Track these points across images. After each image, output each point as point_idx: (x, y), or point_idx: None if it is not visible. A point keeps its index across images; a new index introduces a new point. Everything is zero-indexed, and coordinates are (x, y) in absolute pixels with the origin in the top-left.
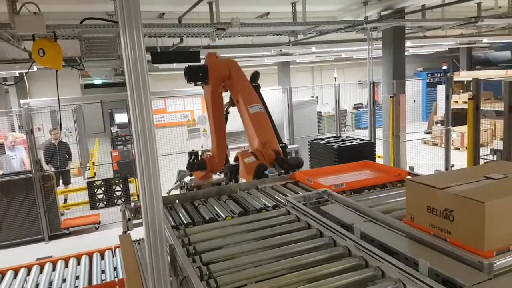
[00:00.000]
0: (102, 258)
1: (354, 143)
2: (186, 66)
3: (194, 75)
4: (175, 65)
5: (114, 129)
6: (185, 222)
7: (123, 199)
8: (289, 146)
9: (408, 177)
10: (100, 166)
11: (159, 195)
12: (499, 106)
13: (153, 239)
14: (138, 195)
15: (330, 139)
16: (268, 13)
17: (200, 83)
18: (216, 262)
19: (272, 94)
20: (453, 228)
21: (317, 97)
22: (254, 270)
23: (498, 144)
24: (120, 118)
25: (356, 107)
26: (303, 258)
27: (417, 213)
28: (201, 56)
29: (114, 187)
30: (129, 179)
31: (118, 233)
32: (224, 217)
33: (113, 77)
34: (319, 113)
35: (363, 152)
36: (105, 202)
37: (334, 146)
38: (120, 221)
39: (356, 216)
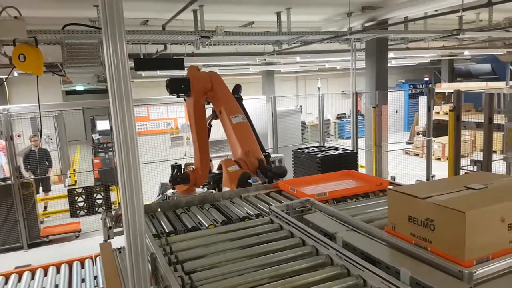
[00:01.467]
0: (82, 266)
1: (337, 152)
2: (168, 78)
3: (176, 87)
4: (158, 72)
5: (95, 136)
6: (167, 230)
7: (104, 207)
8: (272, 155)
9: (390, 186)
10: (81, 174)
11: (140, 203)
12: (480, 118)
13: (134, 247)
14: (119, 203)
15: (314, 148)
16: (253, 22)
17: (182, 95)
18: (198, 271)
19: (256, 103)
20: (434, 238)
21: (301, 106)
22: (236, 279)
23: (479, 155)
24: (102, 125)
25: (340, 117)
26: (285, 267)
27: (398, 222)
28: (185, 64)
29: (95, 195)
30: (110, 187)
31: (99, 241)
32: (207, 225)
33: (95, 83)
34: (303, 123)
35: (346, 161)
36: (86, 210)
37: (318, 156)
38: (101, 229)
39: (338, 225)
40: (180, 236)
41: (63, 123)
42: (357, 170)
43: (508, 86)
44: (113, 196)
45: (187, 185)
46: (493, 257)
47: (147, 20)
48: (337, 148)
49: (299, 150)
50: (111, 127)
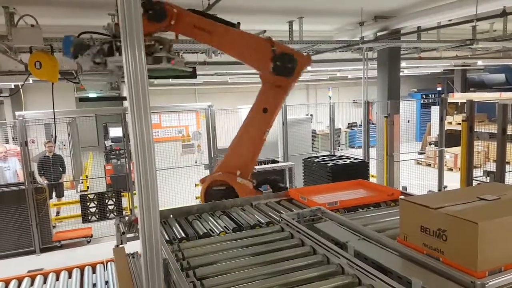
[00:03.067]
0: (94, 271)
1: (348, 162)
2: (272, 49)
3: (282, 66)
4: (171, 80)
5: (108, 142)
6: (179, 237)
7: (115, 213)
8: (283, 164)
9: (402, 196)
10: (93, 180)
11: (156, 209)
12: (493, 128)
13: (149, 252)
14: (130, 209)
15: (324, 157)
16: (265, 31)
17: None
18: (210, 277)
19: None
20: (446, 248)
21: (311, 115)
22: (247, 286)
23: (492, 166)
24: (115, 132)
25: (350, 126)
26: (296, 275)
27: (410, 233)
28: (197, 72)
29: (106, 201)
30: (122, 193)
31: (110, 247)
32: (218, 232)
33: (108, 91)
34: (314, 131)
35: (356, 171)
36: (97, 216)
37: (328, 165)
38: (112, 235)
39: (349, 234)
40: (192, 243)
41: (76, 130)
42: (368, 180)
43: None
44: (125, 202)
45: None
46: (505, 268)
47: None
48: (348, 157)
49: (309, 159)
50: (124, 133)
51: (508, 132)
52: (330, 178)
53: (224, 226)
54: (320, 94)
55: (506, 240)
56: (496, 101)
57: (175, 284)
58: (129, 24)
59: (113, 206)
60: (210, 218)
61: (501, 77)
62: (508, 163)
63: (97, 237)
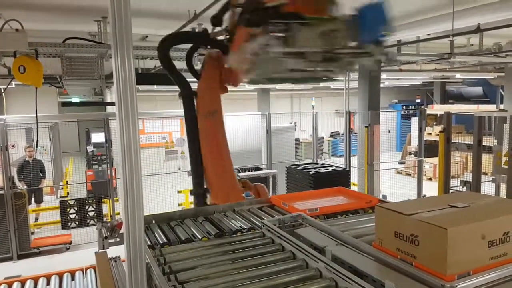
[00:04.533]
0: (73, 278)
1: (329, 170)
2: None
3: None
4: (155, 86)
5: (90, 148)
6: (161, 242)
7: (95, 220)
8: (266, 171)
9: (378, 203)
10: (74, 186)
11: (141, 213)
12: (470, 140)
13: (133, 257)
14: (111, 216)
15: (307, 165)
16: None
17: None
18: (191, 282)
19: (251, 119)
20: (418, 253)
21: (295, 123)
22: None
23: (469, 176)
24: (97, 137)
25: (333, 135)
26: (276, 279)
27: (385, 238)
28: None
29: (87, 207)
30: (102, 200)
31: (90, 254)
32: (200, 238)
33: (92, 96)
34: (297, 140)
35: (338, 179)
36: (77, 222)
37: (311, 172)
38: (92, 242)
39: (328, 240)
40: (174, 248)
41: (58, 135)
42: (349, 188)
43: (498, 109)
44: (105, 209)
45: None
46: (474, 272)
47: (147, 36)
48: (330, 166)
49: (292, 167)
50: (106, 139)
51: (485, 144)
52: (312, 186)
53: (206, 232)
54: (304, 103)
55: (474, 245)
56: (473, 113)
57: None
58: (119, 30)
59: (93, 212)
60: (193, 223)
61: (478, 90)
62: (485, 173)
63: (76, 244)
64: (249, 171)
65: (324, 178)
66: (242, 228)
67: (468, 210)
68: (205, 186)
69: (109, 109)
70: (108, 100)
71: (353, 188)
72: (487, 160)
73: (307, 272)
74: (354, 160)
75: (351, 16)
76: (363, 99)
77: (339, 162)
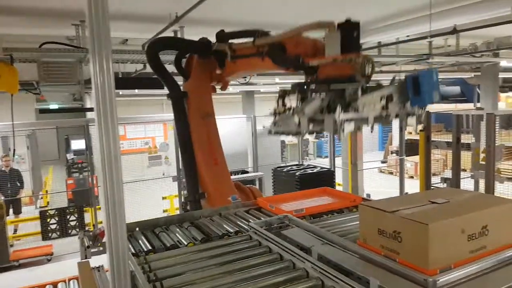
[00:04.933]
0: None
1: (315, 170)
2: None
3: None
4: (137, 91)
5: (70, 156)
6: (145, 249)
7: (77, 229)
8: (252, 174)
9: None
10: (54, 195)
11: (123, 221)
12: (450, 138)
13: (116, 265)
14: (93, 225)
15: (293, 166)
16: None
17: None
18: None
19: (236, 122)
20: (401, 249)
21: None
22: None
23: (449, 173)
24: (77, 144)
25: (318, 136)
26: (263, 281)
27: (369, 235)
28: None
29: (68, 217)
30: (84, 208)
31: (72, 264)
32: (186, 244)
33: (71, 102)
34: (283, 142)
35: (323, 179)
36: (58, 233)
37: (297, 174)
38: (75, 252)
39: (314, 240)
40: (159, 255)
41: (36, 143)
42: (334, 188)
43: (475, 108)
44: (87, 218)
45: None
46: (455, 266)
47: (127, 40)
48: (315, 167)
49: (278, 169)
50: (86, 146)
51: (464, 141)
52: (298, 187)
53: (192, 237)
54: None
55: (455, 240)
56: (451, 112)
57: None
58: (97, 35)
59: (75, 222)
60: (178, 229)
61: (456, 89)
62: (465, 170)
63: (58, 255)
64: (235, 175)
65: (310, 179)
66: (228, 232)
67: (448, 206)
68: (200, 191)
69: (89, 115)
70: (88, 105)
71: (338, 188)
72: (466, 157)
73: (294, 273)
74: (338, 161)
75: (405, 82)
76: None
77: (324, 163)
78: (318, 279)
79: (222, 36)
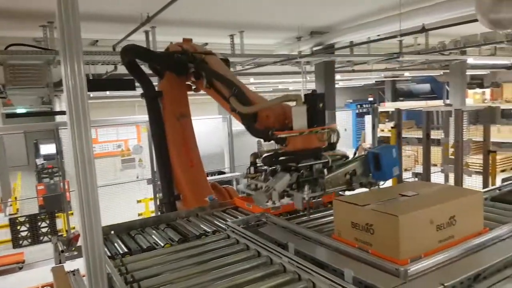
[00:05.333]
0: None
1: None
2: None
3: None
4: (108, 93)
5: (39, 161)
6: (121, 252)
7: (49, 236)
8: (229, 175)
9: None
10: (24, 201)
11: (99, 224)
12: (420, 134)
13: (93, 269)
14: (66, 231)
15: None
16: (206, 44)
17: None
18: None
19: (212, 123)
20: (374, 240)
21: None
22: None
23: (420, 168)
24: (47, 149)
25: None
26: (241, 277)
27: (343, 229)
28: (136, 84)
29: (39, 224)
30: (56, 214)
31: (45, 272)
32: (162, 245)
33: (39, 106)
34: (259, 142)
35: None
36: (29, 240)
37: None
38: (47, 259)
39: (291, 236)
40: (136, 257)
41: (3, 148)
42: None
43: (444, 104)
44: (60, 224)
45: None
46: (424, 255)
47: (97, 41)
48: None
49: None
50: (57, 151)
51: (434, 137)
52: None
53: (169, 238)
54: None
55: (424, 230)
56: (421, 108)
57: None
58: (68, 35)
59: (47, 228)
60: (154, 231)
61: (426, 87)
62: (435, 165)
63: (30, 263)
64: (212, 176)
65: None
66: (206, 232)
67: (417, 198)
68: (175, 193)
69: (59, 118)
70: (58, 109)
71: None
72: (436, 152)
73: (272, 268)
74: None
75: (366, 157)
76: None
77: None
78: (295, 273)
79: (201, 67)
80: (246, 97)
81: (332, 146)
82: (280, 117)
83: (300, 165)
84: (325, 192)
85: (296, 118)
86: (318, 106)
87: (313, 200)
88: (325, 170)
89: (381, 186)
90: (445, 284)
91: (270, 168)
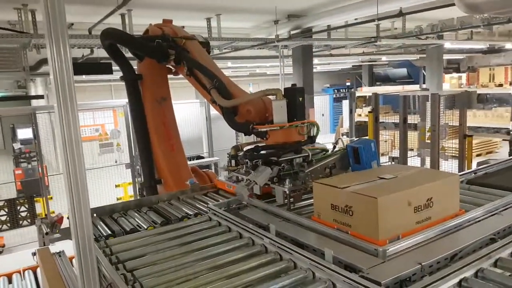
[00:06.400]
0: (10, 282)
1: None
2: None
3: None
4: (84, 77)
5: (16, 145)
6: (105, 234)
7: (29, 220)
8: (208, 159)
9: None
10: (1, 186)
11: (87, 205)
12: (397, 119)
13: (82, 250)
14: (46, 215)
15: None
16: (183, 27)
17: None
18: (140, 269)
19: (189, 108)
20: (353, 222)
21: None
22: (177, 273)
23: (397, 153)
24: (24, 133)
25: None
26: (223, 258)
27: (323, 211)
28: (114, 68)
29: (18, 208)
30: (35, 199)
31: (26, 255)
32: (145, 227)
33: (15, 90)
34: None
35: None
36: (9, 224)
37: None
38: (28, 242)
39: (272, 218)
40: (119, 239)
41: None
42: None
43: (420, 89)
44: (39, 208)
45: None
46: (403, 236)
47: (72, 24)
48: None
49: None
50: (34, 135)
51: (411, 122)
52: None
53: (152, 221)
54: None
55: (402, 212)
56: (398, 93)
57: (105, 277)
58: (52, 17)
59: (26, 212)
60: (136, 214)
61: (403, 71)
62: (412, 149)
63: (10, 247)
64: (191, 160)
65: None
66: (188, 215)
67: (395, 181)
68: (156, 177)
69: (34, 103)
70: (33, 93)
71: None
72: (413, 137)
73: (254, 249)
74: None
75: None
76: (297, 84)
77: None
78: (276, 253)
79: (183, 56)
80: (227, 90)
81: (312, 139)
82: (261, 111)
83: (281, 159)
84: (306, 186)
85: (276, 112)
86: (298, 100)
87: (296, 194)
88: (306, 164)
89: None
90: (423, 264)
91: (251, 161)
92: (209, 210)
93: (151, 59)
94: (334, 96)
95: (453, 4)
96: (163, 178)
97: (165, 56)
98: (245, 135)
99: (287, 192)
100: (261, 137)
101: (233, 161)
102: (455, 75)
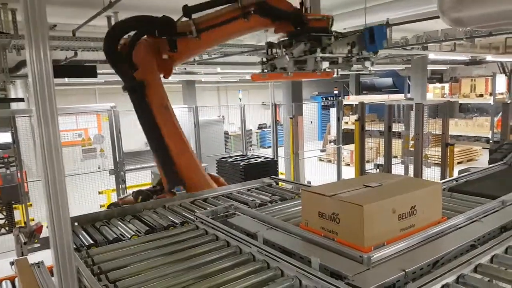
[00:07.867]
0: None
1: (259, 160)
2: None
3: None
4: (67, 80)
5: None
6: (87, 243)
7: (7, 228)
8: None
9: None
10: None
11: (67, 214)
12: (383, 127)
13: (62, 261)
14: (25, 223)
15: (237, 157)
16: None
17: None
18: (123, 279)
19: (178, 113)
20: (339, 229)
21: (223, 116)
22: (162, 283)
23: (382, 160)
24: (2, 137)
25: (261, 127)
26: (210, 267)
27: (310, 219)
28: (98, 71)
29: None
30: (14, 206)
31: (3, 264)
32: (129, 236)
33: None
34: (226, 133)
35: (267, 169)
36: None
37: (241, 164)
38: (5, 251)
39: (259, 225)
40: (102, 248)
41: None
42: (278, 177)
43: (405, 98)
44: (18, 215)
45: None
46: (387, 243)
47: (55, 25)
48: (259, 157)
49: (223, 159)
50: (13, 139)
51: (395, 130)
52: (242, 177)
53: (136, 230)
54: (231, 96)
55: (387, 219)
56: (383, 102)
57: None
58: (32, 17)
59: (4, 220)
60: (120, 223)
61: (389, 81)
62: (396, 157)
63: None
64: None
65: (254, 169)
66: (174, 223)
67: (380, 189)
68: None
69: (14, 106)
70: (13, 96)
71: (281, 177)
72: (397, 145)
73: (241, 257)
74: (281, 150)
75: (362, 33)
76: (287, 91)
77: (267, 153)
78: (263, 261)
79: (189, 10)
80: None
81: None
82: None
83: (312, 36)
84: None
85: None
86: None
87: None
88: (332, 38)
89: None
90: (406, 270)
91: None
92: (196, 219)
93: (144, 60)
94: (323, 104)
95: (438, 17)
96: (186, 180)
97: (172, 25)
98: (281, 22)
99: (318, 58)
100: (296, 23)
101: (269, 51)
102: (438, 85)
